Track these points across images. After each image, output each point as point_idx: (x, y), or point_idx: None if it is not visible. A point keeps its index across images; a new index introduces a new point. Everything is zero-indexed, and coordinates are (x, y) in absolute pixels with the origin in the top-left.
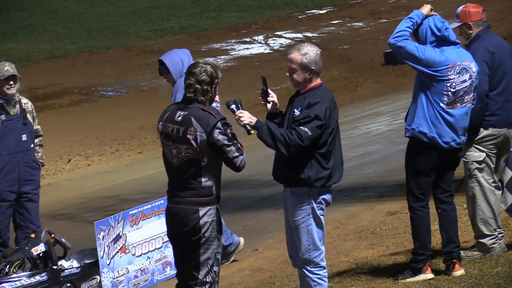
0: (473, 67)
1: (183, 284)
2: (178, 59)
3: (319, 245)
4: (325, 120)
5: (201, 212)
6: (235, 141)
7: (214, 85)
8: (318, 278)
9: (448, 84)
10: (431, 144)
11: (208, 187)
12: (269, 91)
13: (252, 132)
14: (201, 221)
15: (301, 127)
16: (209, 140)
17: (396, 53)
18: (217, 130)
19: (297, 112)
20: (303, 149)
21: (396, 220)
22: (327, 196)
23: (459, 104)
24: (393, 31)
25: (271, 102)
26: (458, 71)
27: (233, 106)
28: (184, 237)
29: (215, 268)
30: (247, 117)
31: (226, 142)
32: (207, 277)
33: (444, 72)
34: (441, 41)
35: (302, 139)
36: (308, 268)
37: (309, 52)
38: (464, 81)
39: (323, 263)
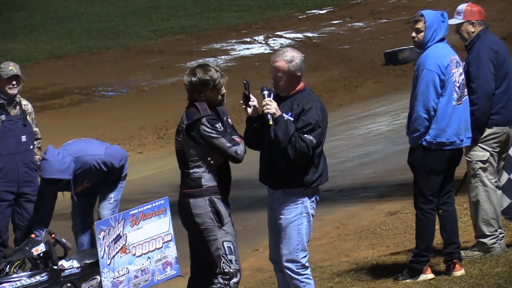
0: (460, 60)
1: (195, 277)
2: (63, 164)
3: (305, 246)
4: (322, 123)
5: (192, 204)
6: (226, 134)
7: (206, 87)
8: (306, 278)
9: (454, 80)
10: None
11: (196, 179)
12: (251, 95)
13: (271, 123)
14: (194, 212)
15: (305, 136)
16: (194, 134)
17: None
18: (202, 126)
19: (287, 117)
20: (308, 156)
21: (396, 220)
22: (317, 196)
23: (463, 98)
24: (393, 31)
25: (252, 107)
26: (455, 65)
27: (265, 92)
28: (190, 229)
29: (230, 257)
30: (273, 108)
31: (215, 135)
32: (224, 267)
33: (449, 69)
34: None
35: (309, 148)
36: (295, 269)
37: (295, 59)
38: (461, 73)
39: (307, 264)
